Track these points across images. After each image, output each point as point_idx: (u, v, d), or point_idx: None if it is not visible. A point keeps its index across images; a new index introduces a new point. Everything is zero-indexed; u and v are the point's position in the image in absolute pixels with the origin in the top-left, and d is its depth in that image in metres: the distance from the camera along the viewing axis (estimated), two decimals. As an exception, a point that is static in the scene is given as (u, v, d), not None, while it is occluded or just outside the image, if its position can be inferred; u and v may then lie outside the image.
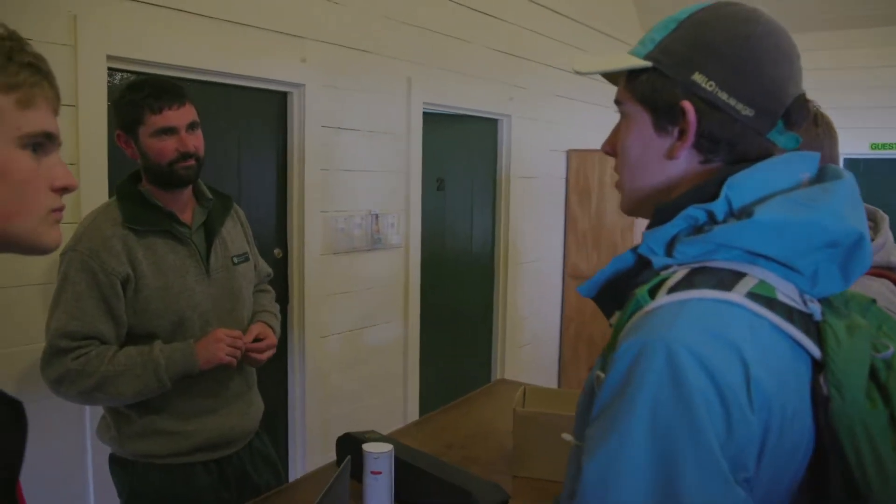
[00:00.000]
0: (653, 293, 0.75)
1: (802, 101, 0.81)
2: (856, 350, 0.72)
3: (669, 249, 0.78)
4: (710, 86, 0.79)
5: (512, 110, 4.03)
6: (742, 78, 0.78)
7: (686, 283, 0.73)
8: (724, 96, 0.78)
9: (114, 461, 1.78)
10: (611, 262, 0.85)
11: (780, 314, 0.72)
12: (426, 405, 3.54)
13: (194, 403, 1.75)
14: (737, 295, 0.71)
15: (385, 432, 2.13)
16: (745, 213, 0.75)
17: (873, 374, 0.72)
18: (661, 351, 0.67)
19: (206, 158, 2.54)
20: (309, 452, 2.98)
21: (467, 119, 3.87)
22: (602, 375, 0.73)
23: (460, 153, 3.92)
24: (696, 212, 0.77)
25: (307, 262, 2.93)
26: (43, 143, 0.81)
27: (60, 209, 0.83)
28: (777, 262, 0.74)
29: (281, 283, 2.92)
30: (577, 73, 0.89)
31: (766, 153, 0.81)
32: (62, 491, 2.18)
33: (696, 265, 0.76)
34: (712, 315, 0.70)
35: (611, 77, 0.91)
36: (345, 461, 1.55)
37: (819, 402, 0.71)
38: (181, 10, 2.39)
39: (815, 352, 0.72)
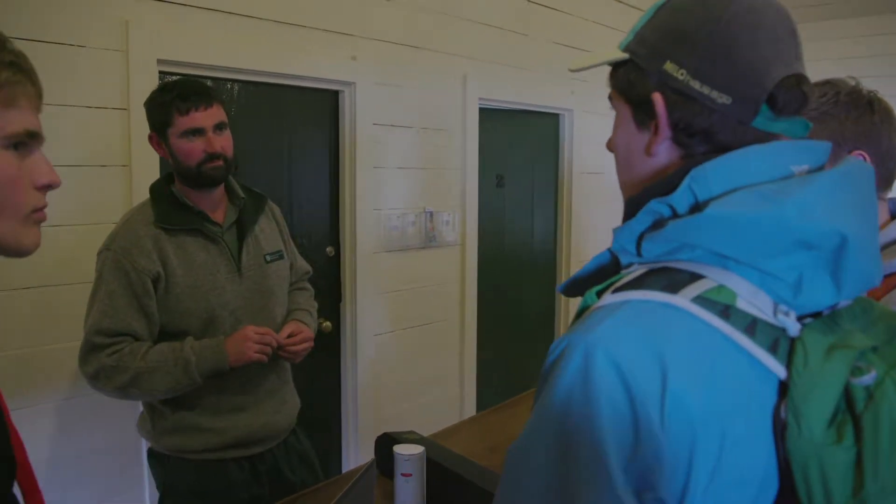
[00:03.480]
0: (601, 293, 0.70)
1: (792, 82, 0.72)
2: (825, 373, 0.62)
3: (639, 247, 0.72)
4: (682, 75, 0.72)
5: (574, 104, 3.93)
6: (714, 64, 0.71)
7: (634, 284, 0.68)
8: (696, 85, 0.72)
9: (151, 455, 1.83)
10: (591, 259, 0.79)
11: (735, 325, 0.64)
12: (484, 406, 3.50)
13: (226, 400, 1.77)
14: (681, 298, 0.65)
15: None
16: (702, 206, 0.67)
17: (850, 404, 0.62)
18: (580, 351, 0.64)
19: (259, 158, 2.63)
20: (362, 451, 2.99)
21: (527, 114, 3.80)
22: None
23: (520, 149, 3.85)
24: (658, 206, 0.71)
25: (359, 260, 2.93)
26: (26, 142, 0.81)
27: (43, 208, 0.83)
28: (748, 266, 0.66)
29: (333, 281, 2.94)
30: (571, 70, 0.85)
31: (760, 143, 0.73)
32: (120, 479, 2.25)
33: (658, 265, 0.70)
34: (645, 318, 0.64)
35: None
36: (369, 463, 1.54)
37: (778, 430, 0.63)
38: (230, 13, 2.42)
39: (780, 371, 0.64)
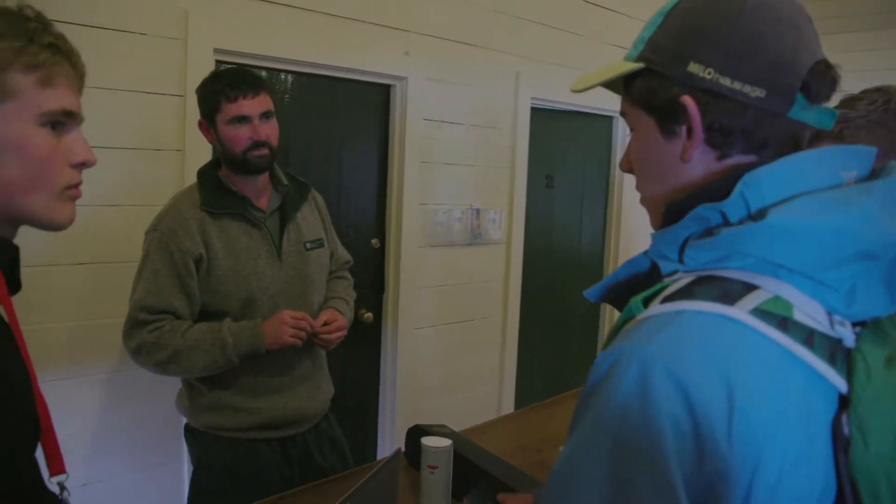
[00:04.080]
0: (647, 302, 0.68)
1: (823, 67, 0.71)
2: (890, 385, 0.60)
3: (682, 253, 0.70)
4: (709, 73, 0.70)
5: (628, 107, 3.88)
6: (742, 58, 0.70)
7: (684, 293, 0.65)
8: (727, 82, 0.70)
9: (187, 430, 1.90)
10: (623, 264, 0.78)
11: (794, 337, 0.62)
12: (522, 405, 3.49)
13: (261, 382, 1.81)
14: (739, 311, 0.62)
15: (474, 428, 2.12)
16: (761, 214, 0.65)
17: None
18: (636, 366, 0.61)
19: (310, 148, 2.67)
20: (397, 442, 3.01)
21: (579, 115, 3.77)
22: None
23: (572, 150, 3.82)
24: (707, 211, 0.68)
25: (404, 253, 2.96)
26: (63, 120, 0.84)
27: (77, 185, 0.87)
28: (802, 275, 0.63)
29: (377, 272, 2.98)
30: (574, 91, 0.82)
31: (794, 135, 0.72)
32: (160, 451, 2.33)
33: (705, 273, 0.67)
34: (704, 331, 0.62)
35: (615, 88, 0.83)
36: (394, 452, 1.56)
37: (839, 444, 0.60)
38: (286, 5, 2.48)
39: (840, 384, 0.62)
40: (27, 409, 0.80)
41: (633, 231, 4.09)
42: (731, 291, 0.64)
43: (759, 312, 0.62)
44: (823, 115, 0.73)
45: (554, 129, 3.66)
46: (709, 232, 0.68)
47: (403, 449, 1.90)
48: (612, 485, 0.60)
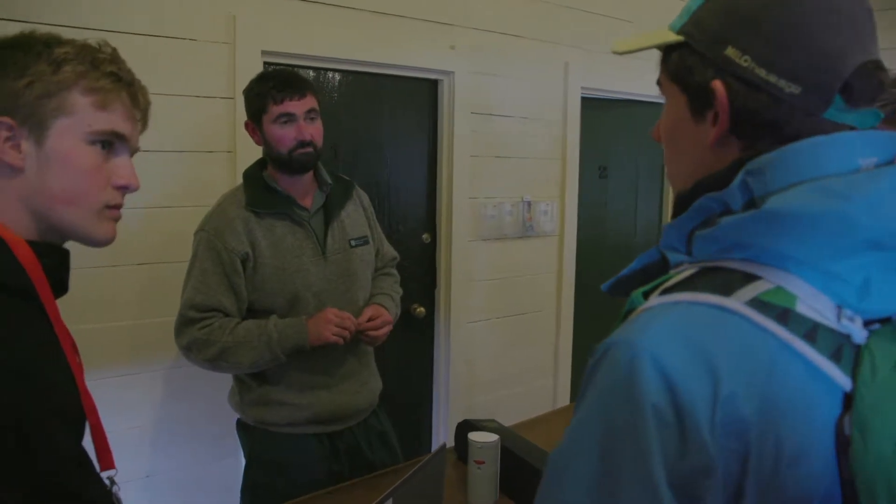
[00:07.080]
0: (648, 294, 0.67)
1: (870, 69, 0.65)
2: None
3: (689, 245, 0.68)
4: (746, 61, 0.66)
5: (683, 93, 3.79)
6: (783, 50, 0.65)
7: (685, 285, 0.64)
8: (762, 73, 0.66)
9: (238, 425, 1.95)
10: (637, 258, 0.77)
11: (793, 330, 0.59)
12: (578, 398, 3.46)
13: (308, 378, 1.84)
14: (735, 301, 0.60)
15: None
16: (760, 202, 0.62)
17: None
18: (625, 355, 0.61)
19: (359, 145, 2.70)
20: (451, 436, 3.03)
21: (632, 104, 3.69)
22: None
23: (625, 140, 3.75)
24: (709, 202, 0.66)
25: (455, 247, 2.96)
26: (112, 142, 0.89)
27: (117, 206, 0.91)
28: (810, 267, 0.60)
29: (429, 267, 2.99)
30: (615, 53, 0.81)
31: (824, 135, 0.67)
32: (219, 444, 2.39)
33: (711, 264, 0.65)
34: (696, 322, 0.61)
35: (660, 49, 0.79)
36: (439, 448, 1.56)
37: (841, 444, 0.57)
38: (331, 5, 2.50)
39: (844, 382, 0.58)
40: (57, 404, 0.81)
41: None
42: (730, 282, 0.62)
43: (756, 303, 0.60)
44: (866, 116, 0.68)
45: (605, 119, 3.60)
46: (709, 222, 0.66)
47: (453, 444, 1.91)
48: (599, 475, 0.61)
